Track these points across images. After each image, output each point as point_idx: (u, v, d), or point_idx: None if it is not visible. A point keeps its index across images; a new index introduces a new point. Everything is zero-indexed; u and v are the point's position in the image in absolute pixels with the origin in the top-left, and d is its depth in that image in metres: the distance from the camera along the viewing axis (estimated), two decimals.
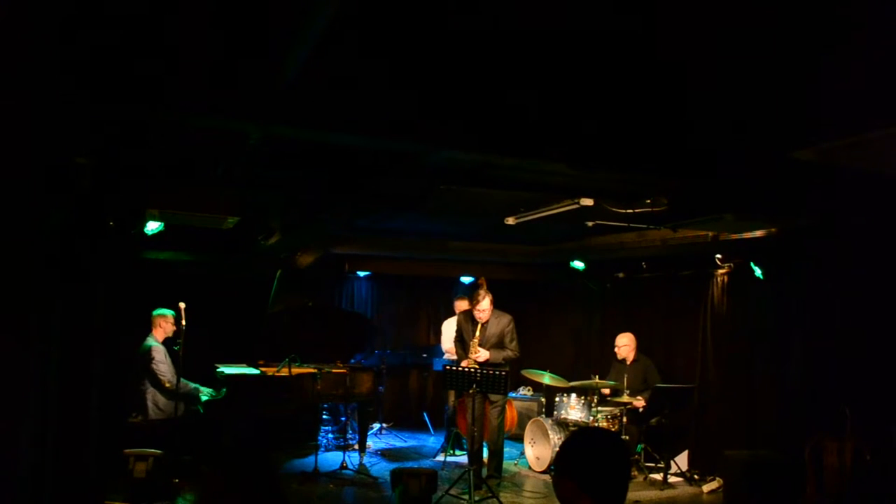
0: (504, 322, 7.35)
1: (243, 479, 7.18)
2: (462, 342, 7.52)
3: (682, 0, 2.59)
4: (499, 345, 7.30)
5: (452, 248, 8.65)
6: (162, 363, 7.00)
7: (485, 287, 7.32)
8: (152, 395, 7.00)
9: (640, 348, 8.20)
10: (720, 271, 7.67)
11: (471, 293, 7.68)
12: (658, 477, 7.35)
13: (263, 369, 7.73)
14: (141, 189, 5.36)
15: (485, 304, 7.26)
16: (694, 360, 7.97)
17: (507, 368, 7.11)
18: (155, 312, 7.27)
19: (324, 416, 9.00)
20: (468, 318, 7.48)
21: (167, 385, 6.95)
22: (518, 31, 2.90)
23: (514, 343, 7.36)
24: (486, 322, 7.29)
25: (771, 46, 2.94)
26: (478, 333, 7.26)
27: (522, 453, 8.12)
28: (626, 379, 7.61)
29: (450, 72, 3.32)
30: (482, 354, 7.20)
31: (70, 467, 4.57)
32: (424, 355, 10.37)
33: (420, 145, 3.95)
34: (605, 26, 2.82)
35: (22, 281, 3.84)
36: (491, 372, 6.59)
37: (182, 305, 6.77)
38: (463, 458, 8.10)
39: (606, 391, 7.91)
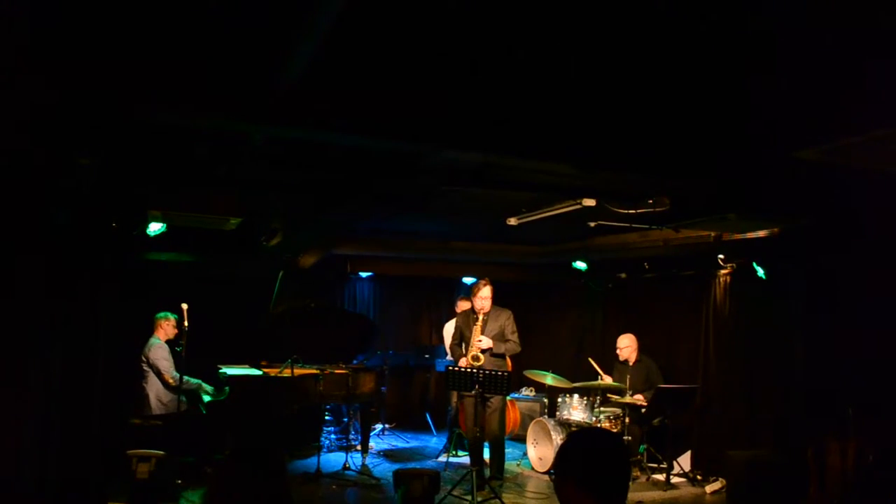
0: (503, 317, 7.37)
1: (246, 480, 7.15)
2: (461, 342, 7.53)
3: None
4: (499, 339, 7.32)
5: (454, 249, 8.66)
6: (165, 360, 7.06)
7: (486, 280, 7.42)
8: (155, 391, 7.06)
9: (643, 349, 8.19)
10: (722, 272, 7.65)
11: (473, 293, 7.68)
12: (661, 477, 7.34)
13: (266, 370, 7.73)
14: (143, 190, 5.37)
15: (485, 293, 7.29)
16: (696, 360, 7.96)
17: (508, 369, 7.11)
18: (158, 315, 7.33)
19: (326, 417, 9.00)
20: (468, 317, 7.50)
21: (171, 381, 6.98)
22: (519, 32, 2.90)
23: (515, 335, 7.37)
24: (487, 317, 7.30)
25: (774, 47, 2.93)
26: (479, 328, 7.27)
27: (525, 454, 8.12)
28: (628, 380, 7.60)
29: (452, 72, 3.32)
30: (484, 342, 7.21)
31: (73, 468, 4.57)
32: (427, 356, 10.36)
33: (422, 146, 3.95)
34: (611, 26, 2.82)
35: (25, 281, 3.85)
36: (493, 373, 6.59)
37: (184, 306, 6.78)
38: (466, 459, 8.10)
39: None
